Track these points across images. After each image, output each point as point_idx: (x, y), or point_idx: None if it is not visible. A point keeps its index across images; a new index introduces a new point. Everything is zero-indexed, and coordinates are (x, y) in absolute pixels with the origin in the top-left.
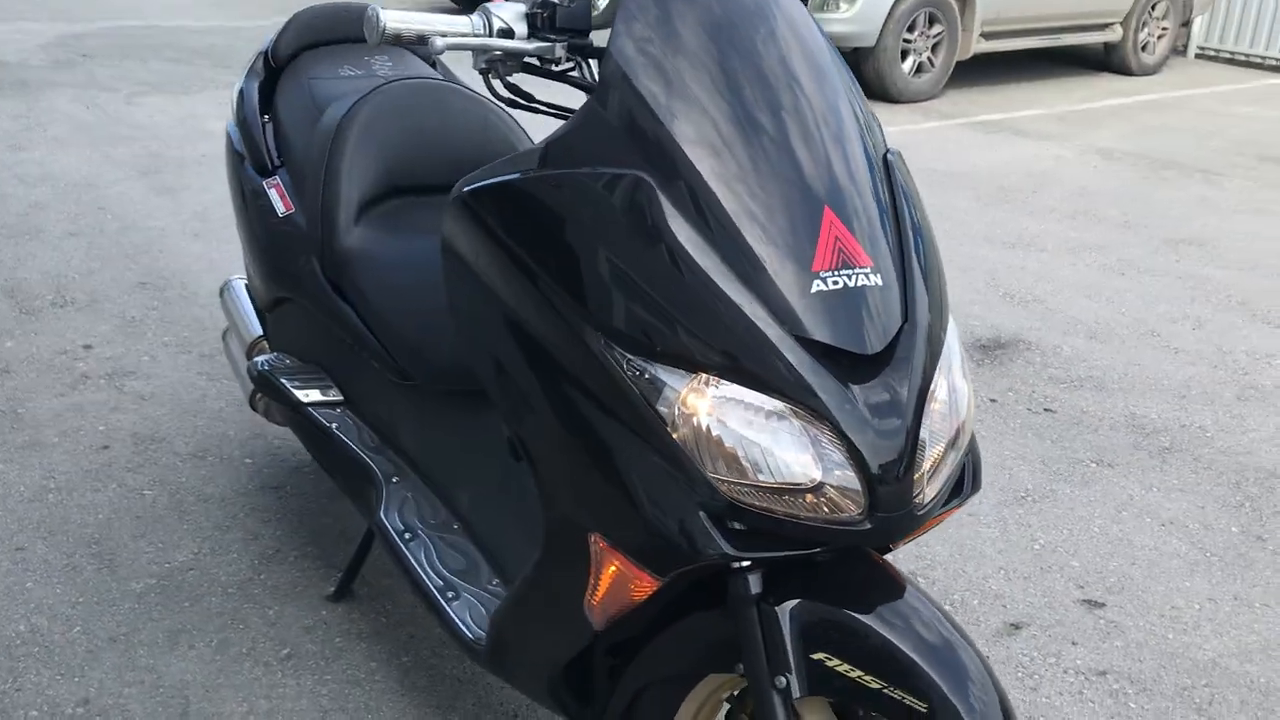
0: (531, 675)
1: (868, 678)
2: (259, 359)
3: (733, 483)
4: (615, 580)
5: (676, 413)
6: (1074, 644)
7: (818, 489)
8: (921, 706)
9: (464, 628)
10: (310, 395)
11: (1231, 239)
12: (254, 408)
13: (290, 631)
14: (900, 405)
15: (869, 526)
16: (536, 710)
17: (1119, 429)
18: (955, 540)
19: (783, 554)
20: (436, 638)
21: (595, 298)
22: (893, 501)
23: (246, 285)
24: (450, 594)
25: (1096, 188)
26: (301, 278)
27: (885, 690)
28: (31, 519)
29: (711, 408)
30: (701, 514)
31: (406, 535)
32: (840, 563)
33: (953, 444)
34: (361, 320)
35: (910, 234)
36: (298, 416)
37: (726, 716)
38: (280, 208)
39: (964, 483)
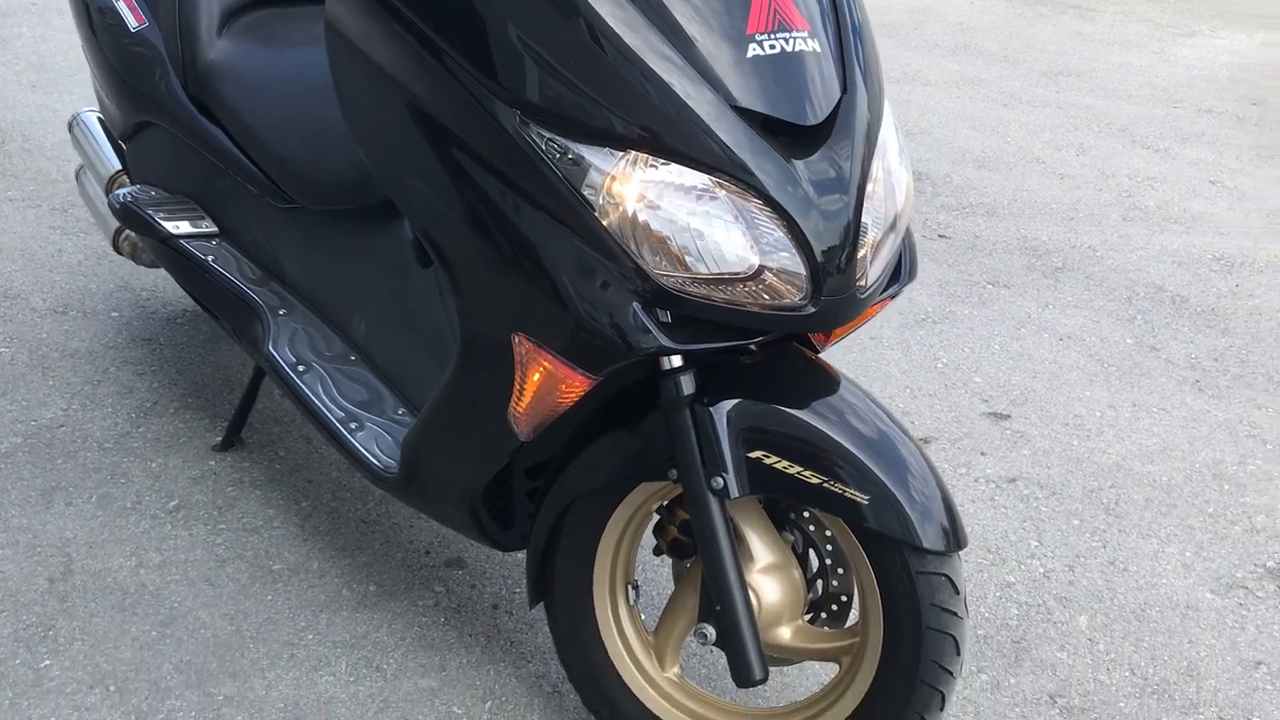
0: (449, 500)
1: (807, 473)
2: (120, 191)
3: (668, 274)
4: (542, 384)
5: (603, 198)
6: (983, 454)
7: (758, 274)
8: (863, 499)
9: (372, 457)
10: (180, 227)
11: (1107, 70)
12: (118, 249)
13: (177, 483)
14: (844, 182)
15: (812, 311)
16: (449, 545)
17: (1012, 251)
18: (860, 363)
19: (723, 344)
20: (336, 481)
21: (508, 70)
22: (836, 285)
23: (99, 116)
24: (354, 425)
25: (975, 23)
26: (161, 99)
27: (825, 485)
28: None
29: (641, 192)
30: (635, 305)
31: (300, 368)
32: (773, 361)
33: (892, 228)
34: (232, 141)
35: (845, 2)
36: (169, 252)
37: (655, 528)
38: (132, 22)
39: (901, 270)
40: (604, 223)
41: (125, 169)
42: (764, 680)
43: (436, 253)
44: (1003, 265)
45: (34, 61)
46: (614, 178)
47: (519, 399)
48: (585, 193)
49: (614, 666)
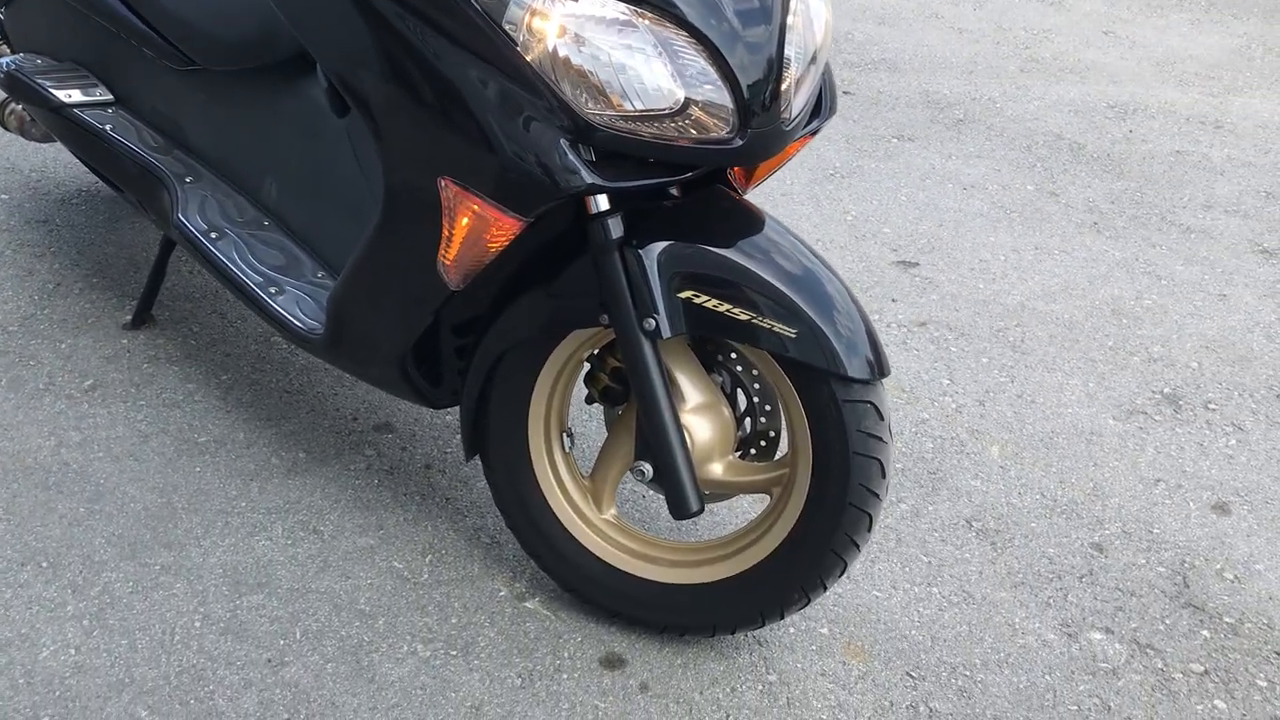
0: (377, 359)
1: (736, 310)
2: (5, 60)
3: (594, 111)
4: (471, 230)
5: (524, 33)
6: (894, 301)
7: (685, 109)
8: (790, 332)
9: (295, 320)
10: (73, 95)
11: None
12: (5, 125)
13: (89, 363)
14: (767, 13)
15: (739, 144)
16: (376, 410)
17: (915, 105)
18: None
19: (651, 181)
20: (255, 354)
21: None
22: (762, 118)
23: None
24: (273, 289)
25: None
26: None
27: (754, 320)
28: None
29: (562, 25)
30: (562, 143)
31: (213, 235)
32: (699, 203)
33: (812, 61)
34: (123, 3)
35: None
36: (62, 123)
37: (586, 376)
38: None
39: (822, 105)
40: (527, 58)
41: (3, 37)
42: (700, 512)
43: (356, 100)
44: (906, 119)
45: None
46: (534, 11)
47: (448, 247)
48: (506, 28)
49: (552, 511)
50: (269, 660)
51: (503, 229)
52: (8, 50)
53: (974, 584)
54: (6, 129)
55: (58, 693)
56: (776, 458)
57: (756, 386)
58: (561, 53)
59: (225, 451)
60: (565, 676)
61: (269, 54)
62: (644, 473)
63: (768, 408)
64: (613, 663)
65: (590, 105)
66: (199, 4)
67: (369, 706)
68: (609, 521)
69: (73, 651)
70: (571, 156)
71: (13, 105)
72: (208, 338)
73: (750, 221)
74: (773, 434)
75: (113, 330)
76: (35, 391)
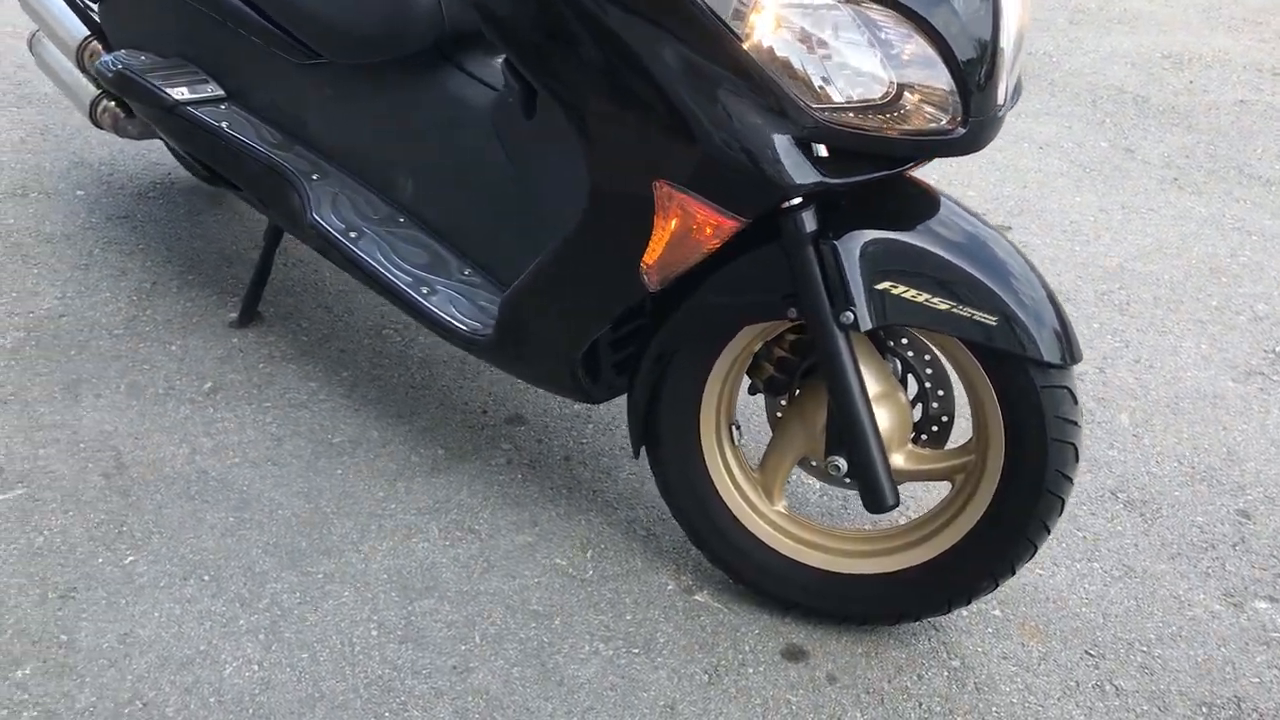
0: (550, 357)
1: (935, 300)
2: (110, 57)
3: (821, 106)
4: (682, 232)
5: (750, 28)
6: None
7: (904, 96)
8: (991, 320)
9: (454, 321)
10: (185, 93)
11: None
12: (98, 122)
13: (204, 364)
14: None
15: (963, 133)
16: (503, 403)
17: None
18: None
19: (870, 176)
20: (371, 349)
21: None
22: (980, 104)
23: None
24: (425, 289)
25: None
26: None
27: (954, 309)
28: None
29: (778, 18)
30: (788, 141)
31: (353, 234)
32: (883, 189)
33: (1018, 44)
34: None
35: None
36: (175, 122)
37: (750, 367)
38: None
39: (1018, 87)
40: (754, 55)
41: (95, 34)
42: (896, 505)
43: (564, 104)
44: None
45: None
46: (754, 5)
47: (654, 248)
48: (732, 24)
49: (725, 505)
50: (454, 667)
51: (720, 230)
52: (100, 47)
53: (1132, 557)
54: (100, 126)
55: (250, 711)
56: (959, 444)
57: (929, 372)
58: (779, 49)
59: (363, 451)
60: (751, 671)
61: (402, 48)
62: (839, 468)
63: (940, 392)
64: (795, 655)
65: (815, 99)
66: (334, 5)
67: (564, 711)
68: (781, 514)
69: (256, 667)
70: (797, 154)
71: (106, 102)
72: (318, 334)
73: (931, 205)
74: (945, 419)
75: (220, 329)
76: (156, 397)
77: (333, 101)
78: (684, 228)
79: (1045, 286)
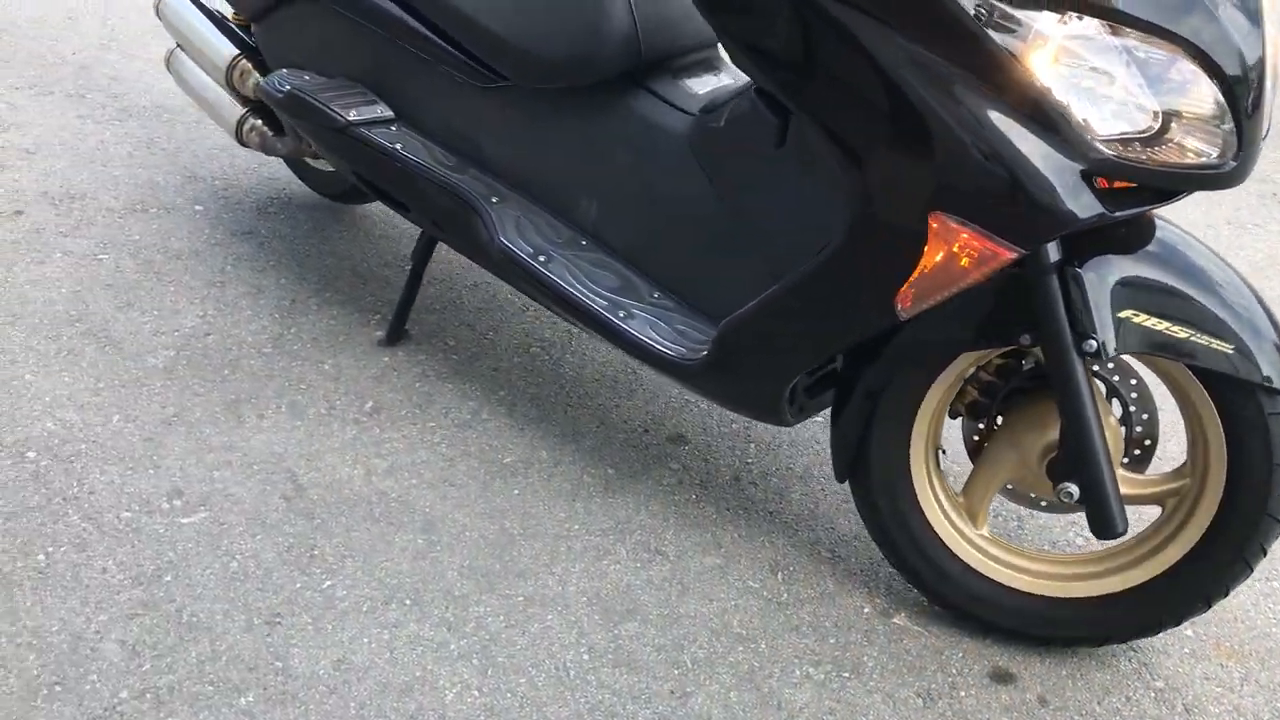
0: (765, 384)
1: (1174, 328)
2: (275, 77)
3: (1106, 139)
4: (953, 261)
5: (1041, 63)
6: None
7: (1179, 129)
8: (1227, 348)
9: (658, 345)
10: (357, 113)
11: None
12: (244, 141)
13: (360, 384)
14: (1253, 13)
15: (1233, 165)
16: (663, 421)
17: None
18: None
19: (1144, 208)
20: (523, 367)
21: None
22: (1250, 134)
23: None
24: (622, 313)
25: None
26: None
27: (1192, 337)
28: None
29: (1059, 50)
30: (1076, 174)
31: (541, 258)
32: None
33: (1276, 75)
34: (418, 18)
35: None
36: (345, 143)
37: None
38: None
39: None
40: (1044, 90)
41: (244, 52)
42: (1125, 531)
43: (833, 135)
44: None
45: None
46: (1039, 38)
47: (916, 278)
48: (1029, 61)
49: (934, 529)
50: (671, 692)
51: (996, 261)
52: (249, 66)
53: None
54: (245, 145)
55: None
56: (1153, 467)
57: (1134, 395)
58: (1059, 82)
59: (535, 472)
60: (963, 694)
61: (592, 73)
62: (1071, 494)
63: (1145, 415)
64: (1003, 677)
65: (1088, 133)
66: (516, 22)
67: None
68: (986, 537)
69: (476, 693)
70: (1081, 187)
71: (253, 120)
72: (466, 352)
73: (1152, 230)
74: (1149, 442)
75: (368, 347)
76: (319, 417)
77: (514, 125)
78: (952, 258)
79: (1268, 311)
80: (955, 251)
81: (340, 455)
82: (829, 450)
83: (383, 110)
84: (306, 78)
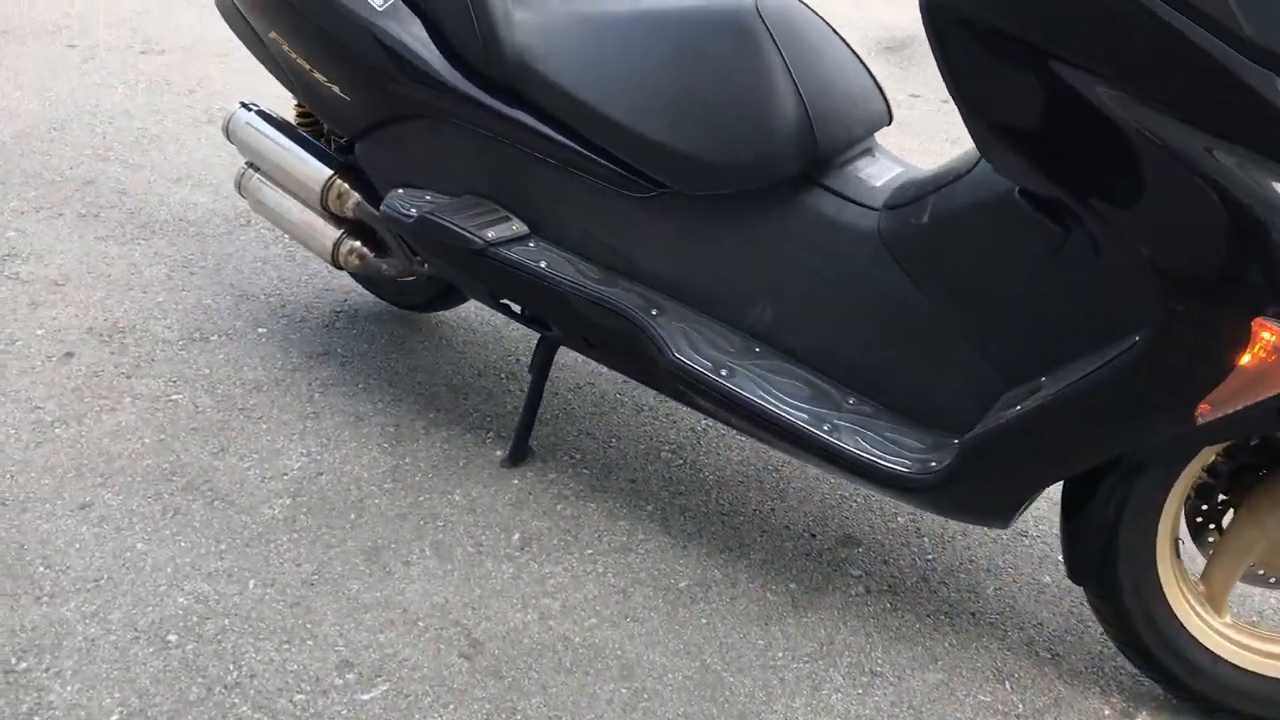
0: (1015, 493)
1: None
2: (398, 201)
3: None
4: (1264, 367)
5: None
6: None
7: None
8: None
9: (879, 460)
10: (493, 233)
11: None
12: (340, 264)
13: (498, 513)
14: None
15: None
16: (825, 523)
17: None
18: None
19: None
20: (661, 477)
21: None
22: None
23: (261, 111)
24: (826, 426)
25: None
26: (438, 87)
27: None
28: (57, 473)
29: None
30: None
31: (724, 371)
32: None
33: None
34: (560, 127)
35: None
36: (483, 264)
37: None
38: (375, 0)
39: None
40: None
41: (338, 172)
42: None
43: (1134, 240)
44: None
45: None
46: None
47: (1226, 384)
48: None
49: (1180, 622)
50: None
51: None
52: (347, 187)
53: None
54: (341, 268)
55: None
56: None
57: None
58: None
59: (715, 595)
60: None
61: (767, 176)
62: None
63: None
64: None
65: None
66: (676, 126)
67: None
68: (1231, 625)
69: None
70: None
71: (350, 242)
72: (596, 464)
73: None
74: None
75: (493, 470)
76: (469, 557)
77: (672, 232)
78: (1273, 365)
79: None
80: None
81: (506, 599)
82: (1007, 539)
83: (518, 226)
84: (428, 197)
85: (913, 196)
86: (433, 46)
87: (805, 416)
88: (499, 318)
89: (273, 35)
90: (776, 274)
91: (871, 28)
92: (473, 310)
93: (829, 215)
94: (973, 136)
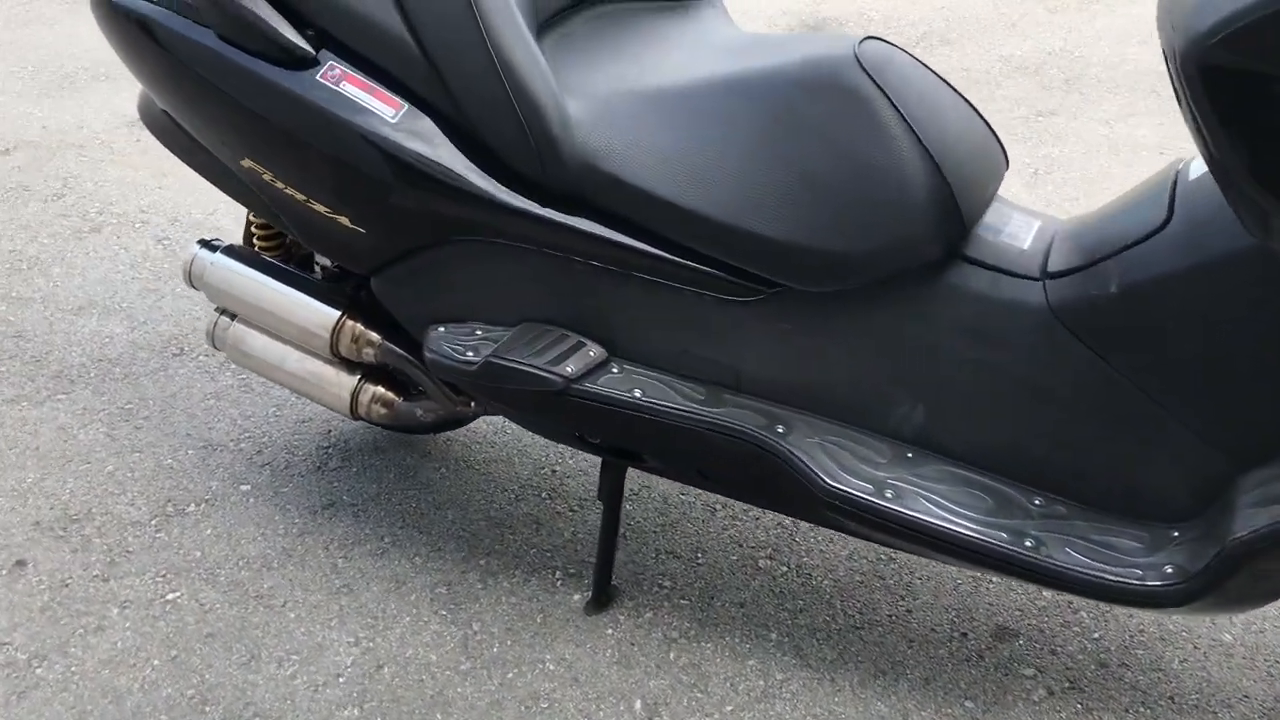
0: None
1: None
2: (445, 343)
3: None
4: None
5: None
6: None
7: None
8: None
9: (1107, 576)
10: (574, 366)
11: None
12: (361, 415)
13: (607, 678)
14: None
15: None
16: (970, 616)
17: (1007, 76)
18: None
19: None
20: (768, 591)
21: None
22: None
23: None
24: (1029, 542)
25: None
26: (485, 207)
27: None
28: None
29: None
30: None
31: (888, 493)
32: None
33: None
34: (638, 232)
35: None
36: (564, 404)
37: None
38: (386, 111)
39: None
40: None
41: (349, 311)
42: None
43: None
44: (1021, 93)
45: None
46: None
47: None
48: None
49: None
50: None
51: None
52: (359, 328)
53: None
54: (364, 419)
55: None
56: None
57: None
58: None
59: None
60: None
61: (911, 259)
62: None
63: None
64: None
65: None
66: (790, 217)
67: None
68: None
69: None
70: None
71: (371, 388)
72: (692, 590)
73: None
74: None
75: (579, 621)
76: (576, 716)
77: (790, 336)
78: None
79: None
80: None
81: None
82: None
83: (596, 352)
84: (479, 333)
85: (1085, 261)
86: (465, 159)
87: (1001, 535)
88: (513, 425)
89: (248, 164)
90: (925, 368)
91: (774, 14)
92: (481, 420)
93: (983, 293)
94: (1245, 209)
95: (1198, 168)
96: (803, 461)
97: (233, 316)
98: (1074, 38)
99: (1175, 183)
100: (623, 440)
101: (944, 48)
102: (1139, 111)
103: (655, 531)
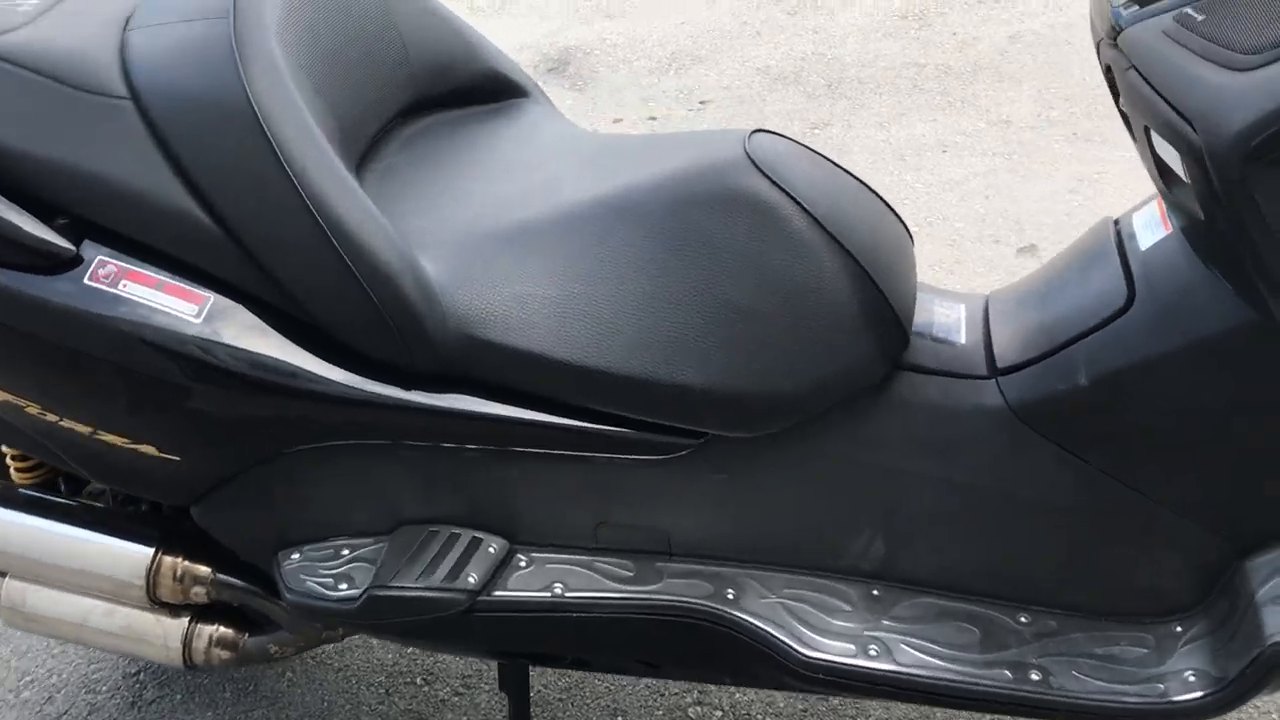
0: None
1: None
2: (314, 579)
3: None
4: None
5: None
6: None
7: None
8: None
9: (1127, 699)
10: (477, 574)
11: None
12: (197, 663)
13: None
14: None
15: None
16: None
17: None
18: None
19: None
20: None
21: None
22: None
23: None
24: (1035, 674)
25: None
26: (340, 405)
27: None
28: None
29: None
30: None
31: (872, 650)
32: None
33: None
34: (534, 402)
35: None
36: (473, 621)
37: None
38: (185, 309)
39: None
40: None
41: (164, 547)
42: None
43: None
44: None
45: None
46: None
47: None
48: None
49: None
50: None
51: None
52: (180, 565)
53: None
54: (200, 667)
55: None
56: None
57: None
58: None
59: None
60: None
61: (856, 384)
62: None
63: None
64: None
65: None
66: (719, 361)
67: None
68: None
69: None
70: None
71: (205, 629)
72: None
73: None
74: None
75: None
76: None
77: (726, 487)
78: None
79: None
80: None
81: None
82: None
83: (496, 546)
84: (345, 552)
85: (1038, 352)
86: (301, 349)
87: (1004, 674)
88: None
89: (3, 397)
90: (880, 494)
91: (512, 46)
92: None
93: (932, 403)
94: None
95: (1144, 233)
96: (767, 631)
97: (2, 574)
98: (821, 39)
99: (1121, 251)
100: (547, 645)
101: (698, 66)
102: (908, 109)
103: (560, 700)
